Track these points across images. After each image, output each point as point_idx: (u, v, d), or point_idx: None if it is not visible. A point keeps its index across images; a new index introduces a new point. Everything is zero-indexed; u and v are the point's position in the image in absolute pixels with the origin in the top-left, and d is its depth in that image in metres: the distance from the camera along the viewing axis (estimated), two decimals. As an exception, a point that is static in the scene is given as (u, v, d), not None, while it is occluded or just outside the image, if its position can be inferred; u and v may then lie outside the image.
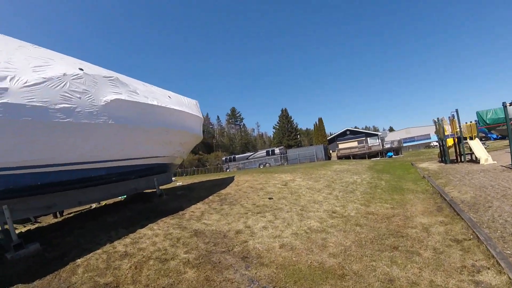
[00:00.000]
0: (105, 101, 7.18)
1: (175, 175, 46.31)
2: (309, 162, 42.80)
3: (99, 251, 5.95)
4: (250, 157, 55.02)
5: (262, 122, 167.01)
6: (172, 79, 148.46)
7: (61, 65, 6.73)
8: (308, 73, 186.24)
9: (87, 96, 6.73)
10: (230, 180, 15.06)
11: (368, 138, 57.17)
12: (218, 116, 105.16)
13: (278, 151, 51.02)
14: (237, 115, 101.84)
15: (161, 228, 7.49)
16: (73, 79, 6.55)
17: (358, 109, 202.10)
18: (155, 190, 11.13)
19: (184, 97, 12.37)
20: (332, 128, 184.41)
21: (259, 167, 52.49)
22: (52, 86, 5.99)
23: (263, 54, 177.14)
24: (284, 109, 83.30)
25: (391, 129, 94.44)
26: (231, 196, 10.75)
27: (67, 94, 6.20)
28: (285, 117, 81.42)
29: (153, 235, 6.92)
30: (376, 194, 10.60)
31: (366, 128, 74.61)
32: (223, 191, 11.77)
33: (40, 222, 10.78)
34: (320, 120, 67.48)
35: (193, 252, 5.97)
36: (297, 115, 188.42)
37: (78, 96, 6.47)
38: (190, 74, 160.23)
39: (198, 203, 10.10)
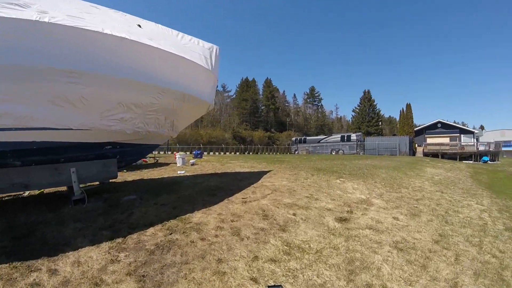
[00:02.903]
0: None
1: (246, 151, 41.12)
2: (389, 155, 34.49)
3: None
4: (322, 141, 48.47)
5: (341, 105, 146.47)
6: (251, 55, 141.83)
7: None
8: (397, 53, 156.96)
9: None
10: (254, 178, 8.44)
11: (462, 135, 46.23)
12: (294, 94, 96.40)
13: (354, 137, 43.59)
14: (316, 94, 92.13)
15: None
16: None
17: (448, 100, 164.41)
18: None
19: (186, 35, 6.58)
20: (418, 120, 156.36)
21: (331, 153, 45.42)
22: None
23: (350, 28, 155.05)
24: (366, 90, 71.65)
25: (482, 128, 75.31)
26: (192, 242, 4.07)
27: None
28: (367, 99, 70.09)
29: None
30: None
31: (454, 123, 59.40)
32: (198, 216, 5.09)
33: None
34: (408, 106, 54.23)
35: None
36: (381, 100, 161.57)
37: None
38: (268, 47, 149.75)
39: (100, 245, 4.13)
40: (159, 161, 14.26)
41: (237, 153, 43.60)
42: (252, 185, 7.38)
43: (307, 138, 53.73)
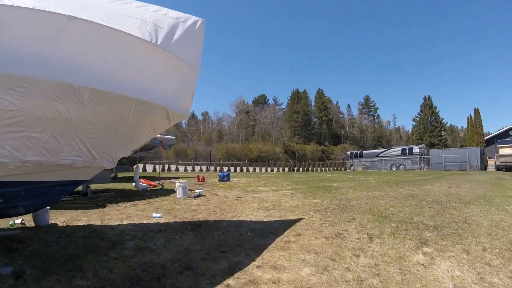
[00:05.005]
0: None
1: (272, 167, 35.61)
2: (458, 171, 28.35)
3: None
4: (381, 155, 42.24)
5: (399, 114, 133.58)
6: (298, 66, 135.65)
7: None
8: (458, 56, 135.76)
9: None
10: (252, 248, 4.35)
11: (539, 144, 37.19)
12: (348, 104, 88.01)
13: (417, 150, 37.08)
14: (371, 104, 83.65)
15: None
16: None
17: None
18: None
19: (136, 2, 3.30)
20: (487, 127, 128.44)
21: (390, 168, 38.98)
22: None
23: (404, 30, 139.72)
24: (427, 96, 62.51)
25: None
26: None
27: None
28: (428, 106, 60.92)
29: None
30: None
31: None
32: None
33: None
34: (477, 112, 44.53)
35: None
36: (440, 107, 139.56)
37: None
38: (319, 59, 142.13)
39: None
40: (164, 187, 10.90)
41: (285, 169, 39.35)
42: (225, 281, 3.30)
43: (364, 152, 47.55)
